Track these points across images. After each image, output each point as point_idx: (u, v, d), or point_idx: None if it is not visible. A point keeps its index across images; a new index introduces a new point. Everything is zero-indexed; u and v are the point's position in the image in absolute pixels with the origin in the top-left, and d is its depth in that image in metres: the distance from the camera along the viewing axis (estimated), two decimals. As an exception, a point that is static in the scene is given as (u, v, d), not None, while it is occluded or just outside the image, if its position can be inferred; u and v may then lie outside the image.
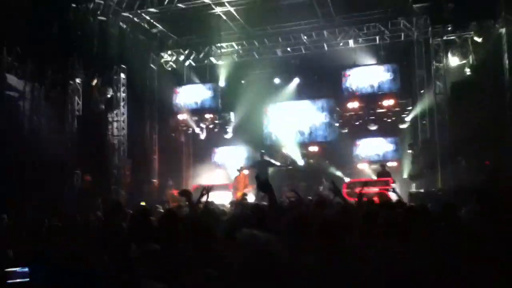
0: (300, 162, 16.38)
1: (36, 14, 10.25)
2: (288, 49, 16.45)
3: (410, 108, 15.54)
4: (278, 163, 14.32)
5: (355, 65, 15.89)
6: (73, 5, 11.99)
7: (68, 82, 13.48)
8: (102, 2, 13.03)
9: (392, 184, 13.31)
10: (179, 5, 12.98)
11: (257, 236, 1.52)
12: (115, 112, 14.80)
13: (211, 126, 16.98)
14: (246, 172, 13.90)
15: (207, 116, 16.82)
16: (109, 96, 14.68)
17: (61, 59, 12.14)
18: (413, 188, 13.99)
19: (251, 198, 11.28)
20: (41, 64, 11.29)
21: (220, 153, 17.88)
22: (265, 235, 1.54)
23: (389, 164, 15.50)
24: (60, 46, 11.53)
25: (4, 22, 9.53)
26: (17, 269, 3.08)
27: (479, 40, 12.88)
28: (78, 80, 14.06)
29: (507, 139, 11.21)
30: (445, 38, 13.55)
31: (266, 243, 1.50)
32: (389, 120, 15.49)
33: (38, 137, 11.80)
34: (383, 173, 13.93)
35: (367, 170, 15.98)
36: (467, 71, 13.26)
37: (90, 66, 13.51)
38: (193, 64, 17.37)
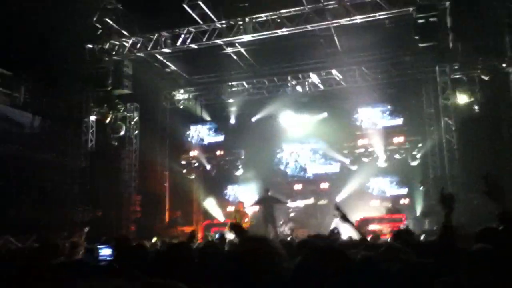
0: (310, 199, 16.33)
1: (52, 53, 10.70)
2: (298, 87, 16.73)
3: (420, 145, 15.58)
4: (283, 200, 14.39)
5: (363, 103, 16.14)
6: (89, 45, 12.53)
7: (82, 119, 13.86)
8: (117, 43, 13.58)
9: (405, 221, 13.24)
10: (192, 45, 13.39)
11: None
12: (127, 148, 15.07)
13: (221, 163, 17.21)
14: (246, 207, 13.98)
15: (218, 153, 17.08)
16: (122, 133, 15.01)
17: (76, 97, 12.56)
18: (426, 225, 13.78)
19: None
20: (56, 100, 11.69)
21: (232, 190, 17.90)
22: None
23: (401, 201, 15.43)
24: (75, 84, 11.95)
25: (21, 60, 10.01)
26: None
27: (486, 78, 12.97)
28: (92, 118, 14.48)
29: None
30: (452, 76, 13.68)
31: None
32: (400, 157, 15.62)
33: (48, 173, 12.02)
34: (393, 210, 13.95)
35: (379, 207, 15.82)
36: (475, 108, 13.29)
37: (104, 104, 13.92)
38: (205, 102, 17.72)
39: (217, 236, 9.71)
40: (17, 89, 11.55)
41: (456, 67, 13.65)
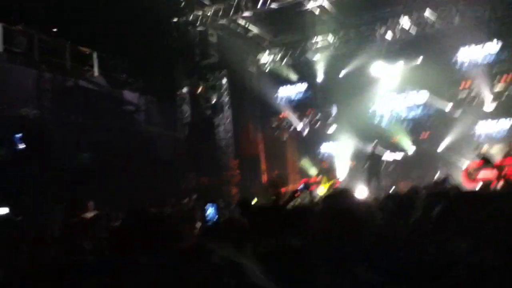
0: (411, 149, 15.65)
1: (142, 32, 11.21)
2: (387, 35, 15.74)
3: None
4: (390, 153, 13.99)
5: (463, 43, 14.79)
6: (174, 19, 12.88)
7: (175, 92, 14.49)
8: (199, 13, 13.80)
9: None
10: (272, 5, 13.18)
11: None
12: (220, 115, 15.53)
13: (313, 122, 17.11)
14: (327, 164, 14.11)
15: (308, 112, 16.97)
16: (214, 101, 15.48)
17: (168, 71, 13.11)
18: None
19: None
20: (151, 77, 12.32)
21: (326, 148, 17.73)
22: None
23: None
24: (166, 59, 12.45)
25: (116, 42, 10.61)
26: None
27: None
28: (185, 89, 15.06)
29: None
30: None
31: None
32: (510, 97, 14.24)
33: (153, 146, 12.80)
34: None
35: (490, 152, 14.61)
36: None
37: (194, 75, 14.38)
38: (290, 62, 17.50)
39: (300, 187, 9.79)
40: (116, 69, 12.34)
41: None
